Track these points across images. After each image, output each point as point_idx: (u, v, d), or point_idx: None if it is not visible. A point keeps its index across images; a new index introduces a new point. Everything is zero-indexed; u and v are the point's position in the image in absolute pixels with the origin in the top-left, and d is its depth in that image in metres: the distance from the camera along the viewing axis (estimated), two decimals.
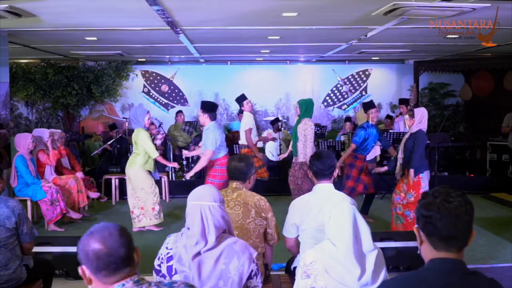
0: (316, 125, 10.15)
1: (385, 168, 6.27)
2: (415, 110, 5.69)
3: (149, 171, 6.14)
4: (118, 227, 1.64)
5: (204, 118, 5.76)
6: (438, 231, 1.57)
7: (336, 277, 2.26)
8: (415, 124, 5.54)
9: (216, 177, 5.69)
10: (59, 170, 6.86)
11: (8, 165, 6.69)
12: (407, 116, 5.74)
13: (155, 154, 6.06)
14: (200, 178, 7.86)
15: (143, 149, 6.01)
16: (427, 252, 1.63)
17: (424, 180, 5.47)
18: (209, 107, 5.84)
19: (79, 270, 1.60)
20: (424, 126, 5.59)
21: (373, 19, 6.05)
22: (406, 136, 5.71)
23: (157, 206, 6.12)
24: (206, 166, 5.92)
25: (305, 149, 6.27)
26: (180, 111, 10.62)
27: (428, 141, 8.80)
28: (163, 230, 6.20)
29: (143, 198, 6.08)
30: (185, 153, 6.64)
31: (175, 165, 7.20)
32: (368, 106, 6.60)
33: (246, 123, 7.28)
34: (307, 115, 6.40)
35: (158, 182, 6.77)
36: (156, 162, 6.21)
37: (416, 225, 1.66)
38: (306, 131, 6.33)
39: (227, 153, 5.87)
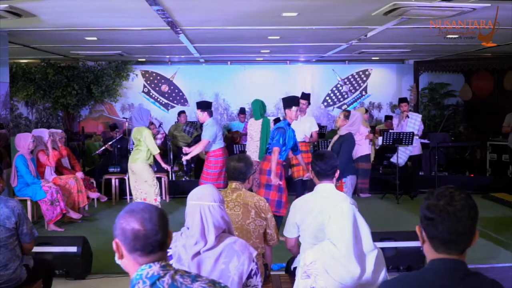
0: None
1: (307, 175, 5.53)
2: (352, 112, 5.52)
3: (150, 165, 6.71)
4: (159, 210, 1.64)
5: (204, 116, 6.34)
6: (440, 235, 1.56)
7: (336, 277, 2.26)
8: (346, 126, 5.37)
9: (210, 167, 6.29)
10: (59, 170, 6.86)
11: (8, 165, 6.69)
12: (340, 115, 5.51)
13: (156, 151, 6.59)
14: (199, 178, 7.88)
15: (146, 146, 6.51)
16: (429, 252, 1.62)
17: (346, 185, 5.32)
18: (206, 105, 6.45)
19: (113, 244, 1.61)
20: (354, 130, 5.42)
21: (373, 19, 6.05)
22: (335, 138, 5.56)
23: (158, 197, 6.61)
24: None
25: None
26: (183, 112, 10.60)
27: (428, 141, 8.85)
28: None
29: (145, 190, 6.55)
30: (185, 149, 6.85)
31: (168, 168, 7.46)
32: (291, 102, 5.68)
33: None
34: (254, 116, 6.66)
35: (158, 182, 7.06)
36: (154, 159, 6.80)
37: (419, 224, 1.65)
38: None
39: (223, 147, 6.45)
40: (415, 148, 8.09)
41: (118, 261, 1.64)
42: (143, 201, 1.71)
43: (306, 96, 7.10)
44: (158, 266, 1.59)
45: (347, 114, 5.44)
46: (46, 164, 6.54)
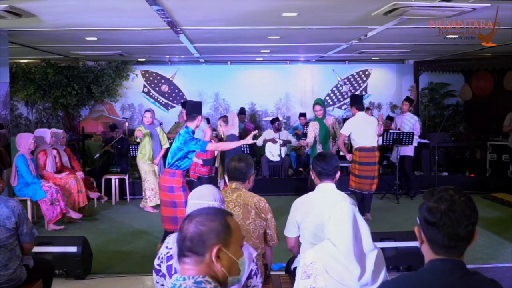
0: None
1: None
2: (228, 114, 5.58)
3: (149, 163, 7.36)
4: (220, 214, 1.48)
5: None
6: (440, 239, 1.56)
7: (336, 277, 2.26)
8: (228, 129, 5.41)
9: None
10: (59, 170, 6.86)
11: (8, 165, 6.69)
12: (220, 122, 5.61)
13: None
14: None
15: (141, 143, 7.32)
16: (427, 253, 1.62)
17: None
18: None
19: None
20: (235, 131, 5.47)
21: (373, 19, 6.04)
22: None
23: (147, 192, 7.37)
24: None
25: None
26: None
27: (428, 141, 8.85)
28: (158, 212, 7.03)
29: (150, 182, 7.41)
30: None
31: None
32: (194, 109, 5.11)
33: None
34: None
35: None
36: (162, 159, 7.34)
37: (418, 225, 1.64)
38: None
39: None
40: (406, 149, 8.07)
41: None
42: (205, 208, 1.56)
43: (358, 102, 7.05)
44: (192, 281, 1.39)
45: (225, 119, 5.59)
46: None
